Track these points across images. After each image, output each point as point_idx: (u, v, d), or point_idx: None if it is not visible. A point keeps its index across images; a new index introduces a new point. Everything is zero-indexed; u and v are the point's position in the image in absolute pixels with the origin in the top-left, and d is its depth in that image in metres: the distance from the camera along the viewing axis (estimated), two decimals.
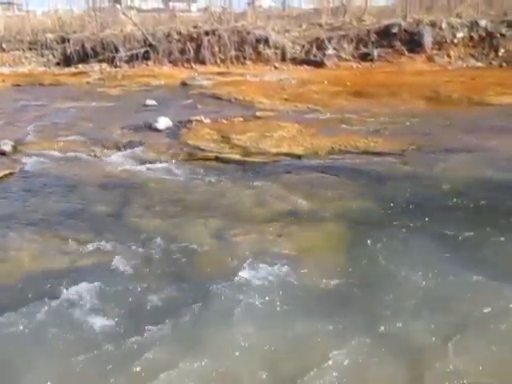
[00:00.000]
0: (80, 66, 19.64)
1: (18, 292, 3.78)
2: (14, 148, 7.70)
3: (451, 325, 3.22)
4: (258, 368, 2.90)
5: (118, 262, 4.09)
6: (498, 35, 16.44)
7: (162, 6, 40.78)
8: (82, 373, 2.94)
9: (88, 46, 19.76)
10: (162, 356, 3.03)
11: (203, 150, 7.39)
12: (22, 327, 3.32)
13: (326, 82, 13.53)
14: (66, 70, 19.50)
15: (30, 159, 7.20)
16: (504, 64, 15.83)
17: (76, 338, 3.24)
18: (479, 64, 16.22)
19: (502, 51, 16.26)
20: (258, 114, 9.85)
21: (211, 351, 3.07)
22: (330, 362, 2.92)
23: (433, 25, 17.03)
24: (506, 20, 16.68)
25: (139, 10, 31.96)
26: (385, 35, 17.47)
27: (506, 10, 17.44)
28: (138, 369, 2.93)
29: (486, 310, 3.32)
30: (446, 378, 2.77)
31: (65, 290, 3.71)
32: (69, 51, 20.09)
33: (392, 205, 5.12)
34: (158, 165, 6.78)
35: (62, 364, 3.01)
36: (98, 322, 3.37)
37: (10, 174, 6.60)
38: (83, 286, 3.75)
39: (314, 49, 17.78)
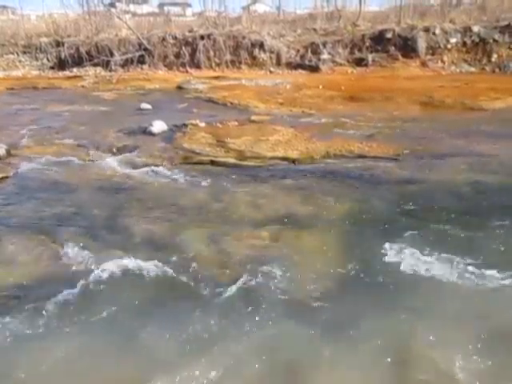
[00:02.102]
0: (74, 69, 19.60)
1: (11, 296, 3.74)
2: (8, 152, 7.66)
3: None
4: None
5: (112, 267, 4.06)
6: (491, 41, 16.60)
7: (156, 10, 40.91)
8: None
9: (83, 49, 19.73)
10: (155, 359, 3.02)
11: (198, 153, 7.39)
12: (13, 332, 3.30)
13: (320, 87, 13.59)
14: (61, 73, 19.46)
15: (24, 163, 7.16)
16: (497, 69, 15.98)
17: (71, 343, 3.22)
18: (472, 69, 16.36)
19: (494, 57, 16.41)
20: (253, 118, 9.86)
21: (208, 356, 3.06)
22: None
23: (426, 30, 17.17)
24: (498, 26, 16.84)
25: (134, 14, 32.02)
26: (379, 40, 17.60)
27: (499, 16, 17.62)
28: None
29: None
30: None
31: (59, 295, 3.68)
32: (63, 55, 20.05)
33: (387, 208, 5.14)
34: (153, 169, 6.76)
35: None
36: (92, 326, 3.35)
37: (4, 178, 6.56)
38: (77, 291, 3.73)
39: (309, 53, 17.87)
